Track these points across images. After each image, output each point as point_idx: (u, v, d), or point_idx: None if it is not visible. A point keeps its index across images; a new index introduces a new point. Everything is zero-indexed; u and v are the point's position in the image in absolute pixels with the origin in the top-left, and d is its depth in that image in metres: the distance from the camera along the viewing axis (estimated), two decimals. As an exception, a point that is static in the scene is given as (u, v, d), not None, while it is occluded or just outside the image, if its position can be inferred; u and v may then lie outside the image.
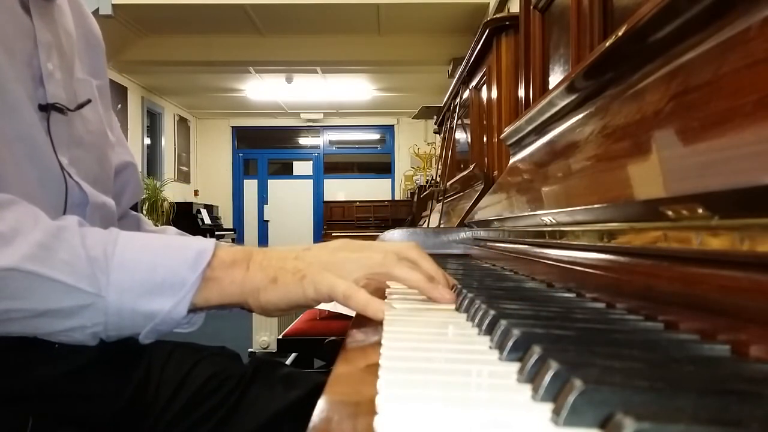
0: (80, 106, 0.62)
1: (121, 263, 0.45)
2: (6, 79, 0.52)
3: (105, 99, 0.72)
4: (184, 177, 8.03)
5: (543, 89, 1.12)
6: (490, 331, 0.37)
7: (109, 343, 0.64)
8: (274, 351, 2.68)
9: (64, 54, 0.62)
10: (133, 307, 0.45)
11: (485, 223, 1.09)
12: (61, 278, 0.43)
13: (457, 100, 2.10)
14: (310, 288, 0.47)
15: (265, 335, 2.88)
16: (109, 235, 0.46)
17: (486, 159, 1.66)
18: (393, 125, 8.63)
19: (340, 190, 8.53)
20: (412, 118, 5.45)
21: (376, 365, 0.29)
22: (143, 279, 0.45)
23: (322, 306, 2.09)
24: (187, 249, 0.47)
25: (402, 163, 8.38)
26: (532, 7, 1.19)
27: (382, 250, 0.51)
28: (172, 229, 0.80)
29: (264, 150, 8.98)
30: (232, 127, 8.80)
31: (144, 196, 6.06)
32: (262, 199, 8.77)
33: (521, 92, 1.28)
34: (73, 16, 0.68)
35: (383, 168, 8.82)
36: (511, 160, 1.13)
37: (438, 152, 3.66)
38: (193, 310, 0.47)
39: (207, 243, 0.48)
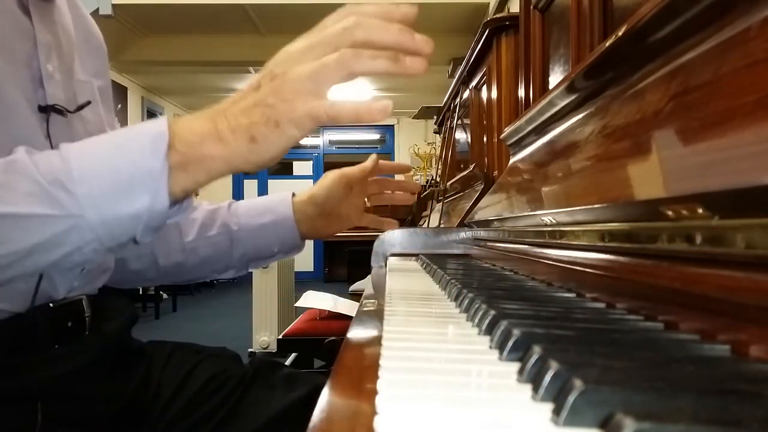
0: (80, 108, 0.62)
1: (81, 176, 0.42)
2: (3, 81, 0.52)
3: (107, 100, 0.72)
4: (184, 177, 8.02)
5: (543, 89, 1.12)
6: (490, 331, 0.37)
7: (110, 344, 0.64)
8: (274, 351, 2.68)
9: (64, 55, 0.62)
10: (114, 213, 0.43)
11: (485, 223, 1.09)
12: (31, 210, 0.41)
13: (457, 100, 2.10)
14: (292, 131, 0.44)
15: (265, 335, 2.88)
16: (60, 153, 0.44)
17: (486, 159, 1.66)
18: (393, 125, 8.63)
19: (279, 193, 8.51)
20: (412, 118, 5.44)
21: (376, 365, 0.29)
22: (110, 183, 0.43)
23: (323, 306, 2.09)
24: (140, 137, 0.44)
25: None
26: (532, 7, 1.19)
27: (330, 44, 0.46)
28: (205, 201, 0.84)
29: (264, 150, 8.97)
30: (232, 127, 8.79)
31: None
32: (262, 199, 8.77)
33: (521, 92, 1.28)
34: (72, 18, 0.67)
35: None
36: (511, 160, 1.13)
37: (438, 152, 3.66)
38: (184, 195, 0.46)
39: (158, 124, 0.44)
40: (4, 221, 0.41)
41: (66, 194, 0.42)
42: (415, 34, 0.47)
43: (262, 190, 8.84)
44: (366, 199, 0.86)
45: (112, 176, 0.43)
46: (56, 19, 0.62)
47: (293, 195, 0.83)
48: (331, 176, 0.84)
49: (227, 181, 8.74)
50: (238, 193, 8.76)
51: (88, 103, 0.64)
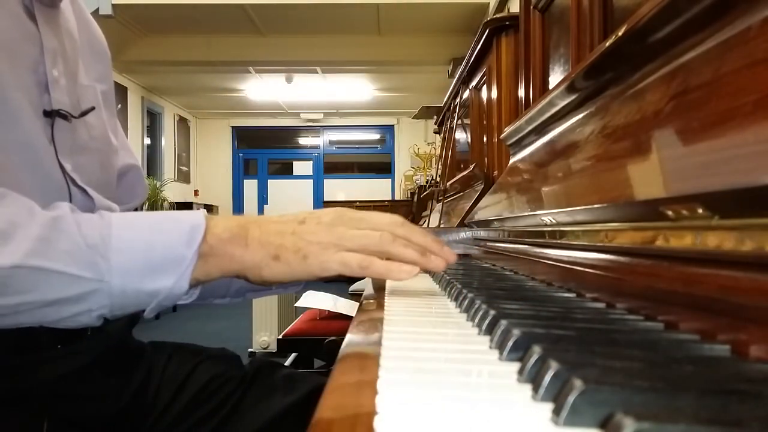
0: (84, 113, 0.62)
1: (119, 247, 0.45)
2: (7, 86, 0.52)
3: (110, 104, 0.73)
4: (184, 177, 8.03)
5: (543, 89, 1.12)
6: (490, 331, 0.37)
7: (111, 344, 0.64)
8: (274, 351, 2.68)
9: (69, 60, 0.62)
10: (137, 287, 0.46)
11: (485, 223, 1.09)
12: (65, 269, 0.44)
13: (457, 100, 2.10)
14: (316, 266, 0.49)
15: (265, 335, 2.88)
16: (102, 220, 0.47)
17: (486, 159, 1.66)
18: (393, 125, 8.63)
19: (340, 190, 8.54)
20: (412, 118, 5.45)
21: (376, 365, 0.29)
22: (143, 259, 0.46)
23: (323, 306, 2.09)
24: (179, 223, 0.48)
25: (402, 163, 8.38)
26: (532, 7, 1.19)
27: (378, 228, 0.52)
28: None
29: (264, 150, 8.99)
30: (232, 127, 8.80)
31: (144, 196, 6.05)
32: (262, 199, 8.78)
33: (521, 92, 1.28)
34: (77, 22, 0.68)
35: (383, 168, 8.82)
36: (511, 160, 1.13)
37: (438, 152, 3.66)
38: (195, 284, 0.48)
39: (197, 217, 0.49)
40: (36, 273, 0.43)
41: (102, 260, 0.45)
42: (443, 246, 0.56)
43: (262, 190, 8.84)
44: None
45: (146, 253, 0.46)
46: (61, 24, 0.62)
47: None
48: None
49: (227, 181, 8.75)
50: (238, 193, 8.77)
51: (93, 108, 0.64)
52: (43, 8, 0.58)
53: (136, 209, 0.80)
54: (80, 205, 0.60)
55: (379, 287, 0.66)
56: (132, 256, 0.45)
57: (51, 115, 0.57)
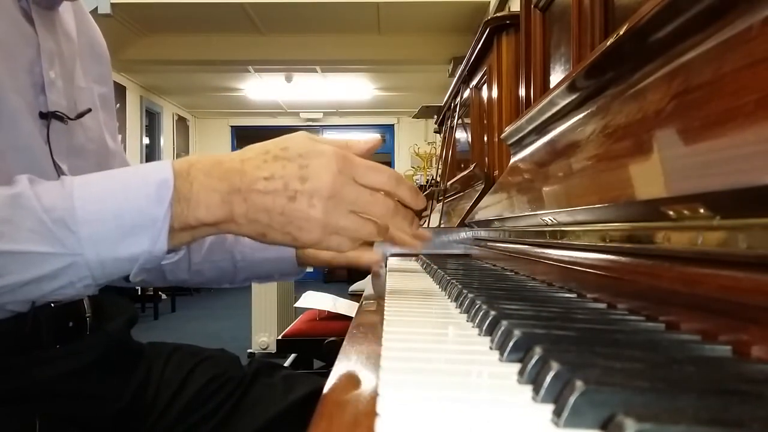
0: (80, 115, 0.62)
1: (85, 218, 0.43)
2: (3, 88, 0.52)
3: (109, 107, 0.72)
4: (183, 176, 8.02)
5: (544, 88, 1.12)
6: (490, 331, 0.37)
7: (110, 345, 0.64)
8: (273, 352, 2.68)
9: (65, 62, 0.62)
10: (113, 255, 0.44)
11: (485, 223, 1.09)
12: (33, 248, 0.42)
13: (458, 99, 2.10)
14: (295, 243, 0.48)
15: (264, 336, 2.88)
16: (63, 189, 0.44)
17: (486, 159, 1.66)
18: (393, 125, 8.63)
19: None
20: (413, 118, 5.44)
21: (376, 366, 0.29)
22: (113, 227, 0.44)
23: (323, 306, 2.09)
24: (146, 183, 0.45)
25: (402, 163, 8.37)
26: (532, 6, 1.19)
27: (375, 207, 0.49)
28: None
29: (264, 149, 8.97)
30: (232, 126, 8.80)
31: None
32: (262, 198, 8.77)
33: (522, 91, 1.28)
34: (77, 24, 0.68)
35: (383, 167, 8.81)
36: (512, 160, 1.12)
37: (438, 152, 3.66)
38: (177, 243, 0.47)
39: (164, 170, 0.45)
40: (5, 257, 0.42)
41: (69, 233, 0.43)
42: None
43: (262, 190, 8.82)
44: None
45: (115, 220, 0.44)
46: (59, 27, 0.62)
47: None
48: None
49: (227, 181, 8.73)
50: (237, 193, 8.75)
51: (89, 110, 0.63)
52: (41, 11, 0.58)
53: None
54: None
55: (379, 288, 0.66)
56: (101, 226, 0.43)
57: (47, 116, 0.57)
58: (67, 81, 0.62)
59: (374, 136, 0.52)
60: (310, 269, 0.98)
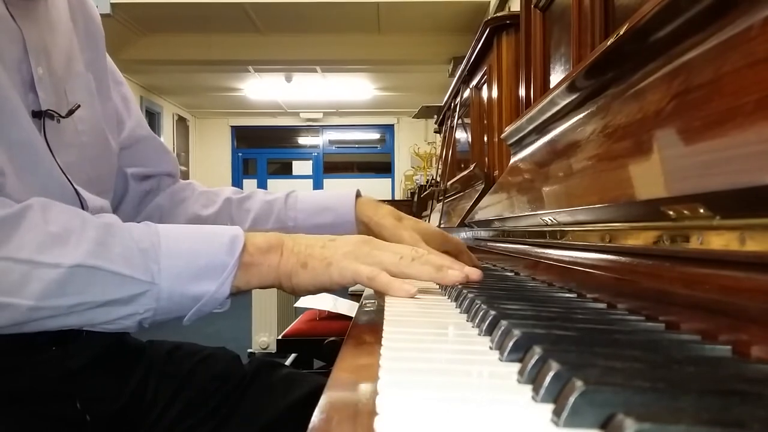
0: (71, 112, 0.60)
1: (168, 252, 0.49)
2: (3, 87, 0.51)
3: (104, 89, 0.70)
4: (183, 177, 7.97)
5: (544, 88, 1.12)
6: (490, 331, 0.37)
7: (110, 343, 0.64)
8: (273, 351, 2.68)
9: (53, 53, 0.60)
10: (183, 291, 0.49)
11: (486, 223, 1.09)
12: (120, 270, 0.47)
13: (458, 99, 2.10)
14: (336, 273, 0.52)
15: (264, 336, 2.88)
16: (149, 228, 0.51)
17: (486, 158, 1.66)
18: (393, 125, 8.63)
19: (340, 190, 8.52)
20: (413, 118, 5.45)
21: (376, 365, 0.29)
22: (189, 265, 0.49)
23: (323, 306, 2.09)
24: (221, 236, 0.52)
25: (402, 163, 8.38)
26: (532, 6, 1.19)
27: (399, 252, 0.55)
28: (261, 191, 0.83)
29: (263, 149, 8.99)
30: (232, 126, 8.80)
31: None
32: (262, 198, 8.77)
33: (522, 91, 1.28)
34: (70, 3, 0.65)
35: (383, 168, 8.82)
36: (512, 160, 1.13)
37: (438, 152, 3.66)
38: (235, 292, 0.52)
39: (236, 230, 0.53)
40: (94, 273, 0.46)
41: (153, 263, 0.48)
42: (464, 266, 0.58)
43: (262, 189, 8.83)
44: None
45: (192, 259, 0.49)
46: (44, 16, 0.59)
47: (358, 195, 0.79)
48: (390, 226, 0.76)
49: (227, 180, 8.74)
50: (238, 193, 8.75)
51: (78, 106, 0.62)
52: (21, 3, 0.56)
53: (175, 181, 0.82)
54: (71, 204, 0.60)
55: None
56: (180, 261, 0.49)
57: (39, 115, 0.56)
58: (56, 74, 0.60)
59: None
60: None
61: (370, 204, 0.78)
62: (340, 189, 0.80)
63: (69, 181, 0.58)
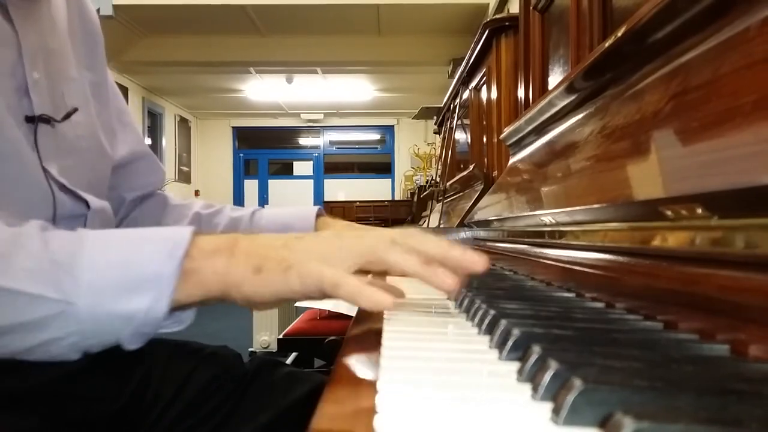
0: (68, 116, 0.59)
1: (90, 264, 0.39)
2: None
3: (102, 94, 0.69)
4: (184, 177, 8.03)
5: (543, 89, 1.12)
6: (490, 330, 0.37)
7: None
8: (274, 351, 2.68)
9: (50, 56, 0.59)
10: (108, 310, 0.39)
11: (485, 223, 1.09)
12: (23, 288, 0.38)
13: (457, 100, 2.10)
14: (296, 280, 0.42)
15: (265, 335, 2.88)
16: (77, 236, 0.41)
17: (486, 159, 1.66)
18: (393, 125, 8.63)
19: (340, 190, 8.54)
20: (412, 119, 5.46)
21: (377, 365, 0.29)
22: (115, 277, 0.40)
23: (323, 306, 2.09)
24: (162, 240, 0.42)
25: (402, 163, 8.38)
26: (531, 7, 1.19)
27: (380, 235, 0.45)
28: (229, 206, 0.79)
29: (264, 150, 8.99)
30: (233, 127, 8.81)
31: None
32: (263, 199, 8.78)
33: (521, 92, 1.28)
34: (69, 6, 0.65)
35: (383, 168, 8.82)
36: (511, 160, 1.13)
37: (438, 152, 3.66)
38: (176, 306, 0.42)
39: (184, 230, 0.42)
40: None
41: (67, 277, 0.39)
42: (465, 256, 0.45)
43: (263, 190, 8.85)
44: None
45: (120, 270, 0.40)
46: (42, 18, 0.58)
47: (319, 213, 0.75)
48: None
49: (228, 181, 8.75)
50: (238, 193, 8.77)
51: (75, 110, 0.61)
52: (20, 4, 0.55)
53: (151, 194, 0.78)
54: (70, 210, 0.58)
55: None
56: (103, 273, 0.40)
57: (33, 120, 0.54)
58: (53, 78, 0.59)
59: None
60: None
61: (329, 221, 0.76)
62: (306, 207, 0.77)
63: (61, 187, 0.57)
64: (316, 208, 0.76)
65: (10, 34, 0.54)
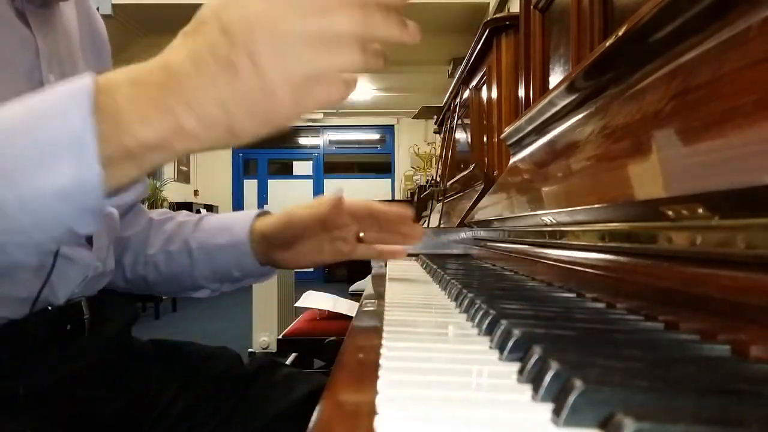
0: None
1: None
2: (2, 99, 0.50)
3: None
4: (183, 177, 8.03)
5: (543, 89, 1.12)
6: (490, 331, 0.37)
7: (111, 344, 0.64)
8: (274, 351, 2.68)
9: (65, 62, 0.60)
10: (32, 190, 0.33)
11: (485, 223, 1.09)
12: None
13: (458, 99, 2.10)
14: (286, 125, 0.35)
15: (265, 335, 2.88)
16: None
17: (486, 159, 1.66)
18: (393, 125, 8.63)
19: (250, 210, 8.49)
20: (413, 118, 5.45)
21: (376, 365, 0.29)
22: (20, 150, 0.33)
23: (323, 306, 2.09)
24: (60, 93, 0.34)
25: (402, 163, 8.38)
26: (532, 6, 1.19)
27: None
28: (184, 213, 0.79)
29: (264, 150, 8.98)
30: (232, 127, 8.80)
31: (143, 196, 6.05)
32: (262, 199, 8.77)
33: (521, 92, 1.28)
34: (79, 16, 0.66)
35: (383, 168, 8.82)
36: (512, 160, 1.13)
37: (438, 152, 3.66)
38: (127, 182, 0.36)
39: (81, 80, 0.34)
40: None
41: None
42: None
43: (262, 190, 8.85)
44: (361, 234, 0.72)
45: (28, 141, 0.33)
46: (57, 24, 0.60)
47: (261, 214, 0.73)
48: (299, 213, 0.70)
49: (227, 181, 8.75)
50: (237, 193, 8.77)
51: None
52: (36, 10, 0.56)
53: (134, 205, 0.77)
54: None
55: (379, 287, 0.67)
56: (10, 151, 0.33)
57: None
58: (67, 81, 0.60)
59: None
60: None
61: (271, 218, 0.72)
62: (253, 210, 0.74)
63: None
64: (260, 210, 0.74)
65: (29, 38, 0.55)
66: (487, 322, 0.39)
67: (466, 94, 1.98)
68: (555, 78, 1.08)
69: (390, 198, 8.11)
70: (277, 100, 0.34)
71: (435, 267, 0.81)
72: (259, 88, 0.33)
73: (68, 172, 0.33)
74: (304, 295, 2.21)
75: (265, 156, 8.98)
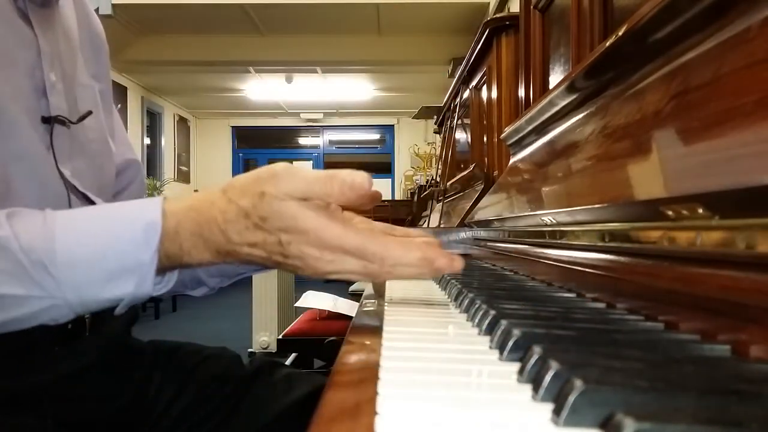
0: (83, 118, 0.60)
1: (66, 261, 0.41)
2: (3, 96, 0.50)
3: (107, 102, 0.71)
4: (184, 177, 8.03)
5: (543, 89, 1.12)
6: (490, 331, 0.37)
7: (110, 345, 0.64)
8: (274, 351, 2.68)
9: (65, 61, 0.60)
10: (96, 297, 0.42)
11: (485, 223, 1.09)
12: (11, 291, 0.41)
13: (458, 99, 2.10)
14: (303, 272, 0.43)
15: (264, 335, 2.88)
16: (44, 228, 0.42)
17: (486, 159, 1.66)
18: (393, 125, 8.63)
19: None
20: (413, 118, 5.45)
21: (377, 365, 0.29)
22: (95, 271, 0.42)
23: (323, 306, 2.09)
24: (132, 225, 0.42)
25: (402, 163, 8.38)
26: (532, 6, 1.19)
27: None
28: None
29: (264, 150, 8.99)
30: (232, 126, 8.80)
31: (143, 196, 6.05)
32: (263, 199, 8.76)
33: (521, 92, 1.28)
34: (78, 16, 0.66)
35: (383, 168, 8.82)
36: (512, 160, 1.13)
37: (438, 152, 3.66)
38: (161, 272, 0.44)
39: (152, 211, 0.43)
40: None
41: (47, 277, 0.41)
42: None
43: (262, 190, 8.82)
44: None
45: (98, 264, 0.42)
46: (58, 24, 0.60)
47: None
48: None
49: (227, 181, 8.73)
50: (238, 193, 8.74)
51: (90, 112, 0.62)
52: (38, 9, 0.57)
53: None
54: None
55: (379, 287, 0.67)
56: (82, 270, 0.41)
57: (49, 121, 0.56)
58: (68, 81, 0.60)
59: (362, 181, 0.42)
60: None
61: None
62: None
63: (72, 189, 0.58)
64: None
65: (30, 36, 0.55)
66: (487, 322, 0.39)
67: (466, 94, 1.98)
68: (555, 78, 1.08)
69: (390, 198, 8.10)
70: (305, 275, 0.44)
71: (435, 267, 0.81)
72: (293, 271, 0.44)
73: (129, 289, 0.43)
74: (304, 295, 2.21)
75: (265, 156, 8.98)
